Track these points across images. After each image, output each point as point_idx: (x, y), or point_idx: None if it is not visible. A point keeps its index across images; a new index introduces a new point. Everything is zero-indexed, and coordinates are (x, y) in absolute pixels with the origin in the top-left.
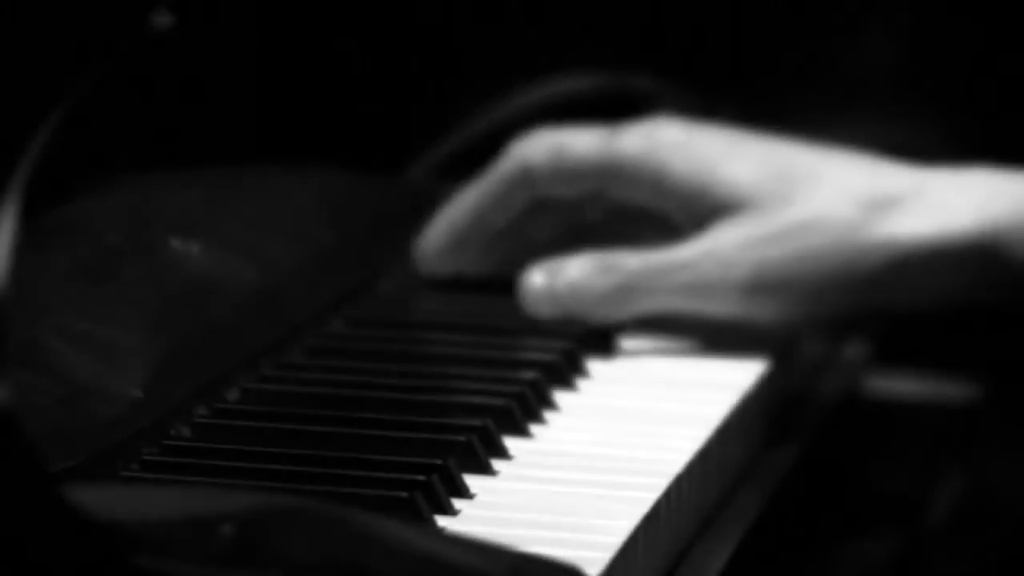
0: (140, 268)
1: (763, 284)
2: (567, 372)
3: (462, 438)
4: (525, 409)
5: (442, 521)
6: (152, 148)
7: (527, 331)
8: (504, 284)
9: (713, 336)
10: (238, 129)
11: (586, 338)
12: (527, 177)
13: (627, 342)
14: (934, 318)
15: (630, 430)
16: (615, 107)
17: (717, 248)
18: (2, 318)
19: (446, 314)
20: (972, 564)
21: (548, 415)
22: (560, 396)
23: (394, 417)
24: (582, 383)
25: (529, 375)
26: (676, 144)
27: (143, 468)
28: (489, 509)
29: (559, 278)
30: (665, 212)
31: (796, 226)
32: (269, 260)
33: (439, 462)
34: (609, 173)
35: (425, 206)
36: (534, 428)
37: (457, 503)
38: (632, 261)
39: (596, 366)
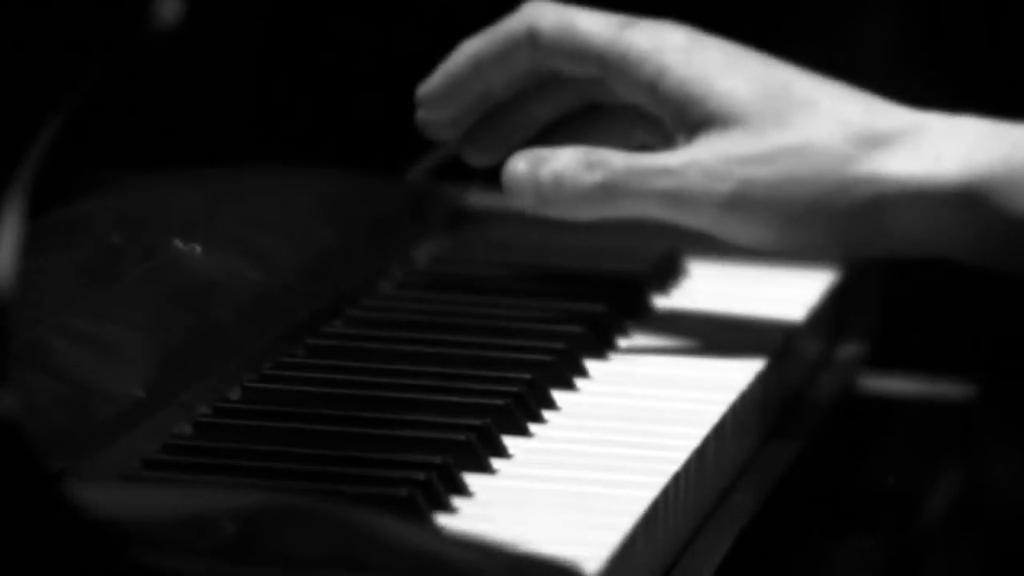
0: (141, 268)
1: (744, 202)
2: (566, 372)
3: (462, 437)
4: (524, 408)
5: (442, 519)
6: (152, 148)
7: (527, 331)
8: (504, 285)
9: (711, 336)
10: (239, 129)
11: (585, 338)
12: (531, 38)
13: (625, 342)
14: (920, 328)
15: (628, 429)
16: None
17: (704, 159)
18: (5, 318)
19: (446, 314)
20: (969, 560)
21: (547, 414)
22: (559, 396)
23: (394, 416)
24: (581, 383)
25: (528, 375)
26: (678, 49)
27: (145, 467)
28: (488, 508)
29: (544, 167)
30: (658, 116)
31: (784, 149)
32: (270, 260)
33: (439, 461)
34: (610, 61)
35: (425, 207)
36: (533, 427)
37: (456, 501)
38: (617, 160)
39: (595, 366)
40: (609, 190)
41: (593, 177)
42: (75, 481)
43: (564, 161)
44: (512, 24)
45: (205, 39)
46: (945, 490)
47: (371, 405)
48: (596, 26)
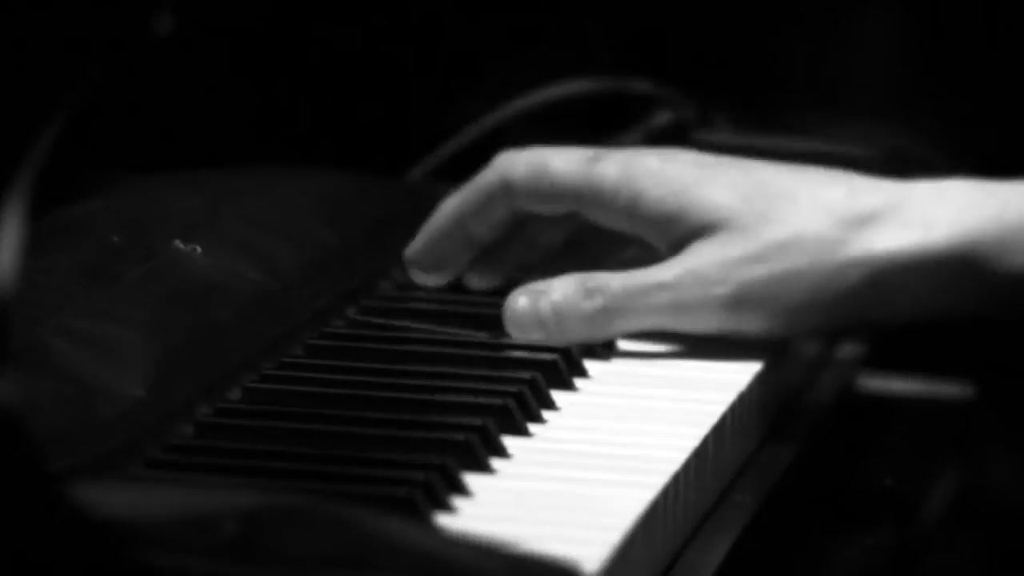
0: (142, 268)
1: (744, 302)
2: (566, 372)
3: (461, 437)
4: (524, 408)
5: (441, 519)
6: (153, 149)
7: None
8: (503, 285)
9: (710, 336)
10: (239, 130)
11: None
12: (506, 189)
13: (625, 343)
14: (919, 327)
15: (628, 429)
16: (614, 111)
17: (698, 268)
18: (5, 318)
19: (446, 314)
20: (968, 560)
21: (547, 414)
22: (559, 396)
23: (394, 416)
24: (581, 383)
25: (528, 375)
26: (650, 172)
27: (145, 467)
28: (488, 507)
29: (543, 301)
30: (643, 238)
31: (775, 245)
32: (270, 260)
33: (439, 461)
34: (585, 197)
35: (425, 208)
36: (533, 427)
37: (456, 501)
38: (614, 283)
39: (594, 366)
40: (610, 313)
41: (593, 304)
42: (75, 481)
43: (561, 292)
44: (486, 179)
45: (207, 40)
46: (944, 490)
47: (371, 405)
48: (567, 165)
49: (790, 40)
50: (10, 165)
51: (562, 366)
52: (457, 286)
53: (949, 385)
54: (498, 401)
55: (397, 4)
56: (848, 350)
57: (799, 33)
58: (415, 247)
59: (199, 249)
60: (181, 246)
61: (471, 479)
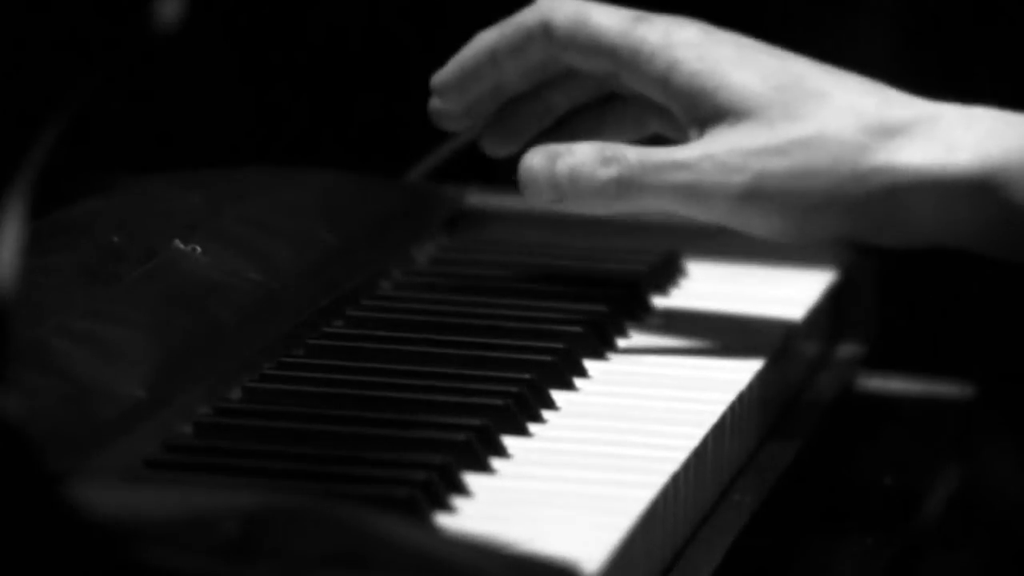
0: (142, 268)
1: (759, 195)
2: (566, 372)
3: (461, 437)
4: (524, 408)
5: (441, 519)
6: (152, 149)
7: (527, 331)
8: (504, 285)
9: (710, 336)
10: (239, 130)
11: (585, 338)
12: (545, 32)
13: (625, 342)
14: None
15: (628, 429)
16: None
17: (718, 153)
18: (6, 318)
19: (446, 314)
20: (967, 559)
21: (547, 414)
22: (559, 396)
23: (394, 416)
24: (580, 383)
25: (528, 375)
26: (690, 44)
27: (145, 467)
28: (488, 507)
29: (560, 163)
30: (670, 111)
31: (798, 141)
32: (270, 260)
33: (439, 461)
34: (622, 56)
35: (425, 208)
36: (533, 427)
37: (456, 501)
38: (632, 155)
39: (594, 366)
40: (625, 185)
41: (609, 172)
42: (75, 481)
43: (580, 156)
44: (527, 17)
45: (204, 40)
46: (943, 489)
47: (371, 405)
48: (609, 21)
49: (790, 40)
50: (10, 165)
51: (562, 366)
52: (457, 288)
53: (949, 385)
54: (498, 401)
55: (397, 3)
56: (848, 350)
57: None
58: (443, 73)
59: (199, 249)
60: (181, 246)
61: (471, 479)
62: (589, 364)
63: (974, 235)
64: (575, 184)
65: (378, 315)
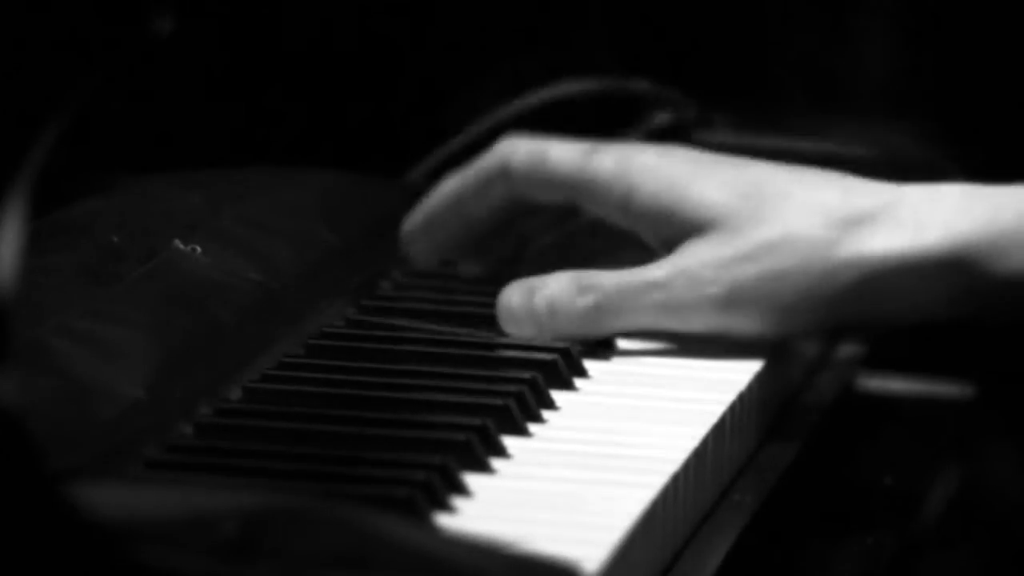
0: (142, 268)
1: (736, 302)
2: (565, 372)
3: (461, 437)
4: (524, 408)
5: (441, 519)
6: (152, 149)
7: None
8: (504, 285)
9: (710, 336)
10: (239, 130)
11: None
12: (504, 173)
13: (624, 342)
14: (917, 327)
15: (628, 429)
16: (614, 111)
17: (690, 267)
18: (6, 318)
19: (446, 314)
20: (967, 559)
21: (547, 414)
22: (559, 395)
23: (394, 416)
24: (580, 383)
25: (528, 375)
26: (646, 167)
27: (146, 467)
28: (488, 507)
29: (537, 297)
30: (636, 233)
31: (767, 245)
32: (270, 260)
33: (438, 461)
34: (581, 187)
35: None
36: (533, 427)
37: (456, 501)
38: (608, 281)
39: (594, 366)
40: (603, 311)
41: (586, 301)
42: (75, 481)
43: (555, 288)
44: (487, 161)
45: (206, 40)
46: (944, 490)
47: (371, 405)
48: (564, 156)
49: (790, 40)
50: (10, 165)
51: (562, 366)
52: (456, 288)
53: (949, 385)
54: (498, 401)
55: (397, 3)
56: (848, 350)
57: (799, 33)
58: (412, 222)
59: (199, 249)
60: (181, 246)
61: (471, 479)
62: (589, 364)
63: (950, 309)
64: (554, 316)
65: (378, 315)
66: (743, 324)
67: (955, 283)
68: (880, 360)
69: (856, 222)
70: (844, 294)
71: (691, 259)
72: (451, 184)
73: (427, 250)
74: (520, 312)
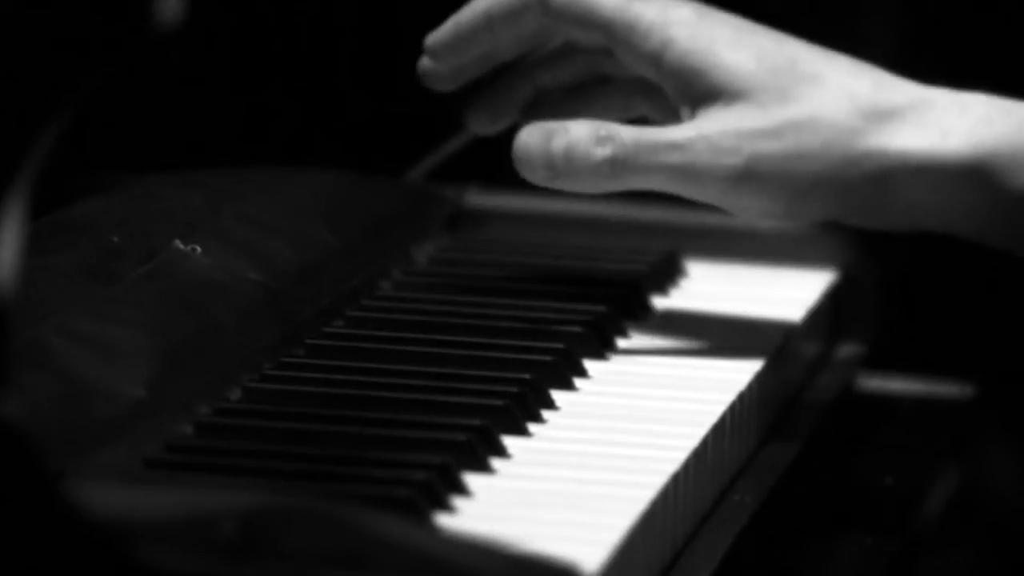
0: (142, 268)
1: (752, 176)
2: (566, 372)
3: (462, 437)
4: (524, 408)
5: (441, 519)
6: (153, 149)
7: (527, 331)
8: (504, 285)
9: (710, 336)
10: (239, 130)
11: (585, 338)
12: (542, 1)
13: (625, 342)
14: (917, 327)
15: (628, 429)
16: None
17: (712, 134)
18: (6, 318)
19: (446, 314)
20: (967, 559)
21: (547, 415)
22: (559, 396)
23: (394, 416)
24: (580, 383)
25: (528, 375)
26: (686, 22)
27: (146, 467)
28: (488, 507)
29: (555, 140)
30: (659, 92)
31: (791, 124)
32: (270, 260)
33: (439, 461)
34: (617, 30)
35: (425, 208)
36: (533, 427)
37: (456, 501)
38: (627, 134)
39: (594, 366)
40: (619, 164)
41: (604, 151)
42: (75, 481)
43: (575, 134)
44: None
45: (207, 40)
46: (944, 490)
47: (371, 405)
48: None
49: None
50: (10, 165)
51: (562, 366)
52: (457, 288)
53: (949, 385)
54: (498, 401)
55: (397, 3)
56: (848, 350)
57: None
58: (439, 34)
59: (199, 249)
60: (181, 246)
61: (471, 479)
62: (589, 364)
63: (964, 221)
64: (570, 162)
65: (378, 315)
66: (754, 202)
67: (972, 193)
68: (880, 360)
69: (883, 116)
70: (860, 185)
71: (714, 126)
72: (485, 2)
73: (446, 67)
74: (536, 155)
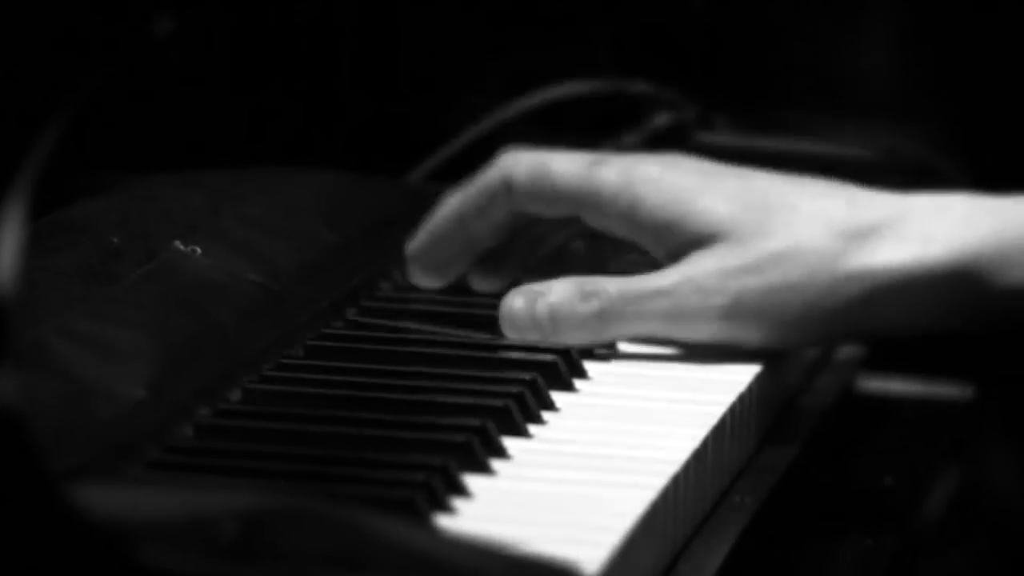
0: (142, 268)
1: (740, 312)
2: (565, 373)
3: (461, 438)
4: (524, 409)
5: (441, 520)
6: (153, 149)
7: None
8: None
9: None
10: (239, 130)
11: None
12: (507, 189)
13: (625, 344)
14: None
15: (628, 430)
16: (614, 111)
17: (696, 276)
18: (6, 318)
19: (446, 315)
20: (967, 560)
21: (547, 415)
22: (558, 397)
23: (394, 417)
24: (580, 384)
25: (528, 376)
26: (650, 179)
27: (146, 468)
28: (488, 508)
29: (540, 302)
30: (641, 244)
31: (773, 256)
32: (270, 261)
33: (439, 462)
34: (585, 201)
35: (425, 208)
36: (533, 428)
37: (456, 502)
38: (611, 287)
39: (594, 367)
40: (606, 317)
41: (589, 307)
42: (75, 481)
43: (559, 294)
44: (489, 176)
45: (207, 40)
46: (944, 490)
47: (371, 406)
48: (567, 169)
49: (791, 41)
50: (10, 165)
51: (562, 367)
52: (456, 287)
53: (949, 386)
54: (498, 402)
55: (397, 3)
56: (848, 351)
57: (800, 33)
58: (416, 244)
59: (199, 250)
60: (181, 246)
61: (471, 480)
62: (589, 365)
63: (955, 321)
64: (556, 323)
65: (378, 315)
66: (747, 335)
67: (960, 296)
68: (880, 361)
69: (862, 235)
70: (849, 307)
71: (697, 268)
72: (453, 202)
73: (432, 271)
74: (522, 318)
